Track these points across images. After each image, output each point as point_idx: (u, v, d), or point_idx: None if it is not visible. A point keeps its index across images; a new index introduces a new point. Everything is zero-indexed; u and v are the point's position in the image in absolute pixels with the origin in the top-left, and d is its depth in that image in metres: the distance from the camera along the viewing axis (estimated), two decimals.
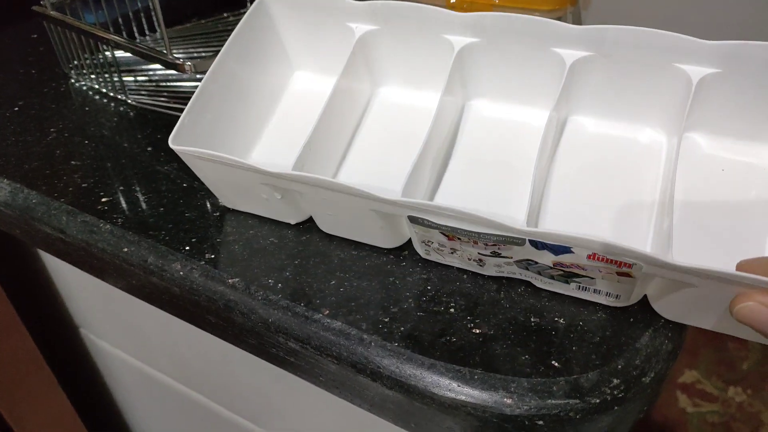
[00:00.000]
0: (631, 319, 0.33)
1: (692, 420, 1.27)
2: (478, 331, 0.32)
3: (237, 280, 0.35)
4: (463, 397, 0.29)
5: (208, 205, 0.40)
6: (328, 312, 0.33)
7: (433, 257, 0.35)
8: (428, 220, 0.30)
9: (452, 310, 0.33)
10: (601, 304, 0.33)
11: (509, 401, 0.28)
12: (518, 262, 0.32)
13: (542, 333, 0.31)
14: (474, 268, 0.34)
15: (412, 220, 0.31)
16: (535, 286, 0.34)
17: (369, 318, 0.32)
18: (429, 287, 0.34)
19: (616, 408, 0.29)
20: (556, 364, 0.30)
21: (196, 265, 0.36)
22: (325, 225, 0.37)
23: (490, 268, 0.33)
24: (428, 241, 0.33)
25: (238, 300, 0.34)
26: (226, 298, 0.34)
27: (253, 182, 0.34)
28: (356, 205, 0.32)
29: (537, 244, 0.29)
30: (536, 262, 0.31)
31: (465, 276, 0.35)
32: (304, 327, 0.32)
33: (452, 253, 0.33)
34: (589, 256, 0.29)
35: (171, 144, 0.34)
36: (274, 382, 0.49)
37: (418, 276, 0.35)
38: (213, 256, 0.36)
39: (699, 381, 1.34)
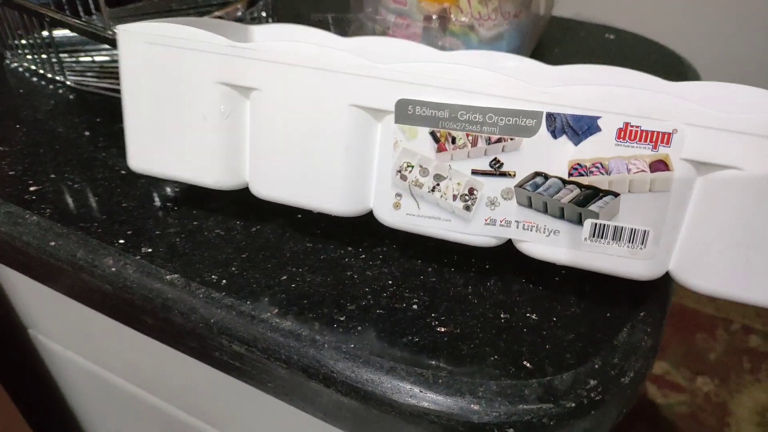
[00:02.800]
0: (608, 314, 0.30)
1: (660, 412, 1.28)
2: (443, 330, 0.29)
3: (176, 276, 0.31)
4: (426, 404, 0.26)
5: (150, 195, 0.37)
6: (277, 311, 0.29)
7: (401, 218, 0.29)
8: (421, 105, 0.26)
9: (415, 306, 0.30)
10: (581, 301, 0.30)
11: (477, 407, 0.26)
12: (521, 191, 0.27)
13: (513, 331, 0.29)
14: (455, 228, 0.29)
15: (401, 108, 0.27)
16: (504, 280, 0.31)
17: (323, 317, 0.29)
18: (390, 282, 0.31)
19: (593, 412, 0.27)
20: (528, 365, 0.27)
21: (130, 260, 0.32)
22: (267, 177, 0.31)
23: (479, 220, 0.28)
24: (403, 173, 0.28)
25: (177, 298, 0.30)
26: (163, 296, 0.31)
27: (204, 84, 0.30)
28: (331, 97, 0.28)
29: (556, 126, 0.25)
30: (545, 178, 0.26)
31: (430, 269, 0.32)
32: (250, 327, 0.29)
33: (433, 191, 0.28)
34: (619, 134, 0.25)
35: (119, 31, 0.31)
36: (227, 385, 0.45)
37: (378, 270, 0.32)
38: (150, 251, 0.32)
39: (668, 372, 1.34)
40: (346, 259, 0.32)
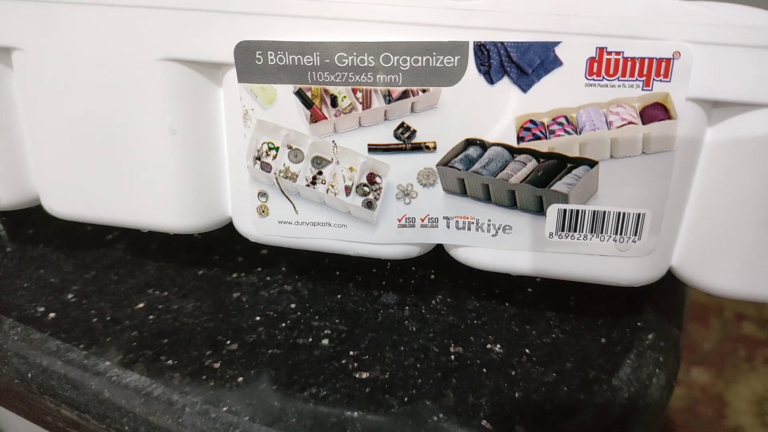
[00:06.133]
0: (603, 339, 0.21)
1: None
2: (365, 376, 0.20)
3: None
4: None
5: None
6: (120, 357, 0.20)
7: (272, 228, 0.20)
8: (275, 49, 0.17)
9: (325, 341, 0.21)
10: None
11: None
12: (448, 171, 0.18)
13: (467, 372, 0.20)
14: (354, 236, 0.19)
15: (244, 58, 0.17)
16: (456, 295, 0.22)
17: (188, 363, 0.20)
18: (292, 305, 0.22)
19: None
20: (488, 426, 0.18)
21: None
22: (60, 187, 0.21)
23: (389, 222, 0.19)
24: (265, 159, 0.18)
25: None
26: None
27: None
28: (132, 49, 0.18)
29: (491, 63, 0.16)
30: (483, 148, 0.17)
31: (351, 284, 0.23)
32: (83, 383, 0.20)
33: (314, 183, 0.18)
34: (591, 67, 0.16)
35: None
36: None
37: (277, 289, 0.23)
38: None
39: None
40: (234, 275, 0.23)
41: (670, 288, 0.23)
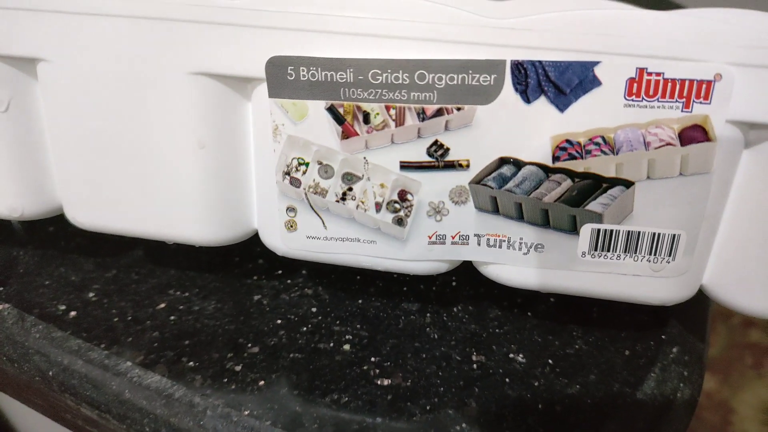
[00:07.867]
0: (627, 351, 0.21)
1: None
2: (386, 383, 0.19)
3: (6, 307, 0.22)
4: None
5: None
6: (142, 358, 0.20)
7: (300, 243, 0.20)
8: (307, 65, 0.17)
9: (347, 347, 0.21)
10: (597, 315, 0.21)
11: None
12: (481, 189, 0.18)
13: (489, 381, 0.20)
14: (384, 253, 0.19)
15: (276, 73, 0.17)
16: (477, 303, 0.22)
17: (209, 365, 0.20)
18: (314, 309, 0.22)
19: None
20: None
21: None
22: (85, 198, 0.21)
23: (419, 239, 0.19)
24: (294, 174, 0.18)
25: (5, 338, 0.21)
26: None
27: None
28: (162, 63, 0.18)
29: (528, 82, 0.16)
30: (517, 167, 0.17)
31: (372, 289, 0.23)
32: (103, 383, 0.20)
33: (343, 199, 0.18)
34: (630, 88, 0.16)
35: None
36: None
37: (298, 292, 0.23)
38: None
39: None
40: (254, 277, 0.23)
41: (693, 302, 0.23)
